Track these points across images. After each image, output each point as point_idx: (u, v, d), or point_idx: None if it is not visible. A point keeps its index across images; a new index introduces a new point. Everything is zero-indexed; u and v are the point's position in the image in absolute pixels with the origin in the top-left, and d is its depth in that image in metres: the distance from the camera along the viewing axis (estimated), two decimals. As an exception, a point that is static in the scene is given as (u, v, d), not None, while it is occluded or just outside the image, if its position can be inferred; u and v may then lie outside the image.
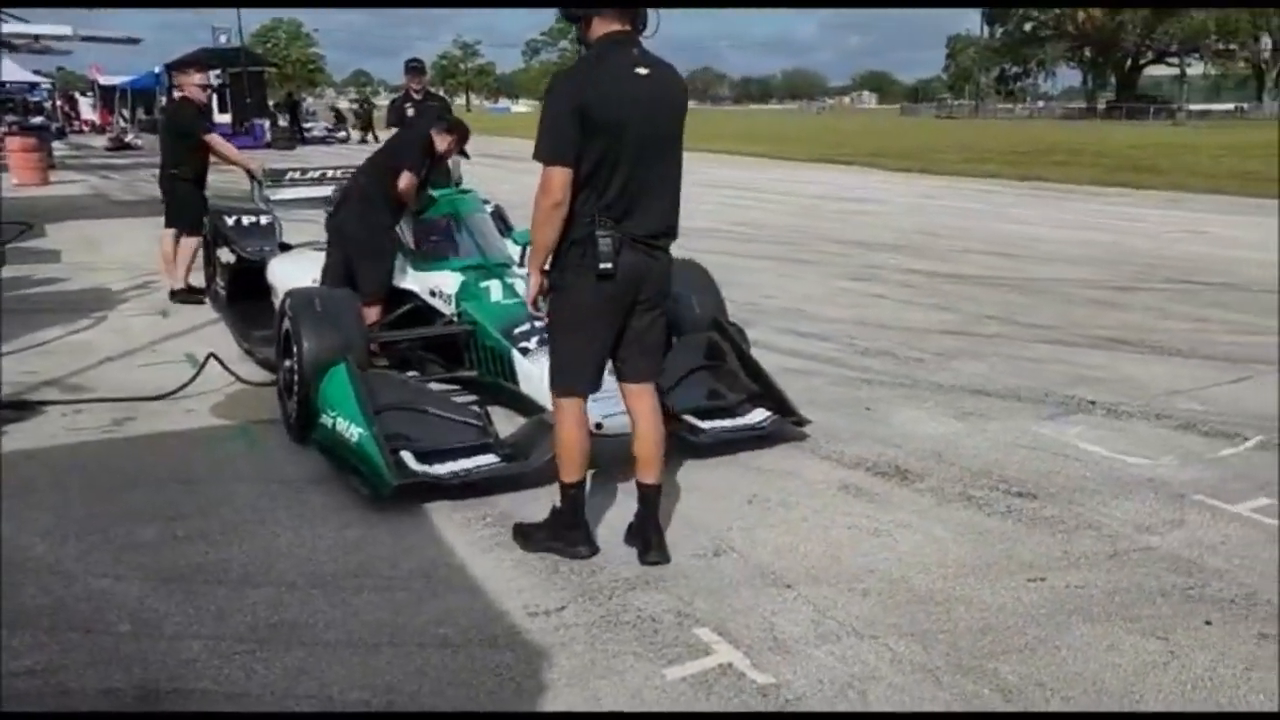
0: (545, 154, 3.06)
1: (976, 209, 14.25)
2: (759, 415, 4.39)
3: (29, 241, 10.94)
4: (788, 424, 4.44)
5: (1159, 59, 75.00)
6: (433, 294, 5.16)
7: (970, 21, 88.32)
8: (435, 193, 6.10)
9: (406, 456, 3.81)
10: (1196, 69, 72.85)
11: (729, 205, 14.71)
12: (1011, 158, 24.65)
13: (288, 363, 4.50)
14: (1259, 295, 7.74)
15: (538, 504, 3.68)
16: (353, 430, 3.84)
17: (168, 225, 7.59)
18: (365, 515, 3.68)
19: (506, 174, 14.26)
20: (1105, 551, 3.36)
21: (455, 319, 4.90)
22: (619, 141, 3.06)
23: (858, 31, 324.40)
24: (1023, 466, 4.15)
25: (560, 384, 3.32)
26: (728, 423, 4.35)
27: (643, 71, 3.11)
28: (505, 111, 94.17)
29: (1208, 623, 2.89)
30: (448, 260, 5.19)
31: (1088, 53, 76.23)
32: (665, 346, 3.68)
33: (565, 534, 3.37)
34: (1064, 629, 2.86)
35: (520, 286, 4.71)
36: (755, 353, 5.63)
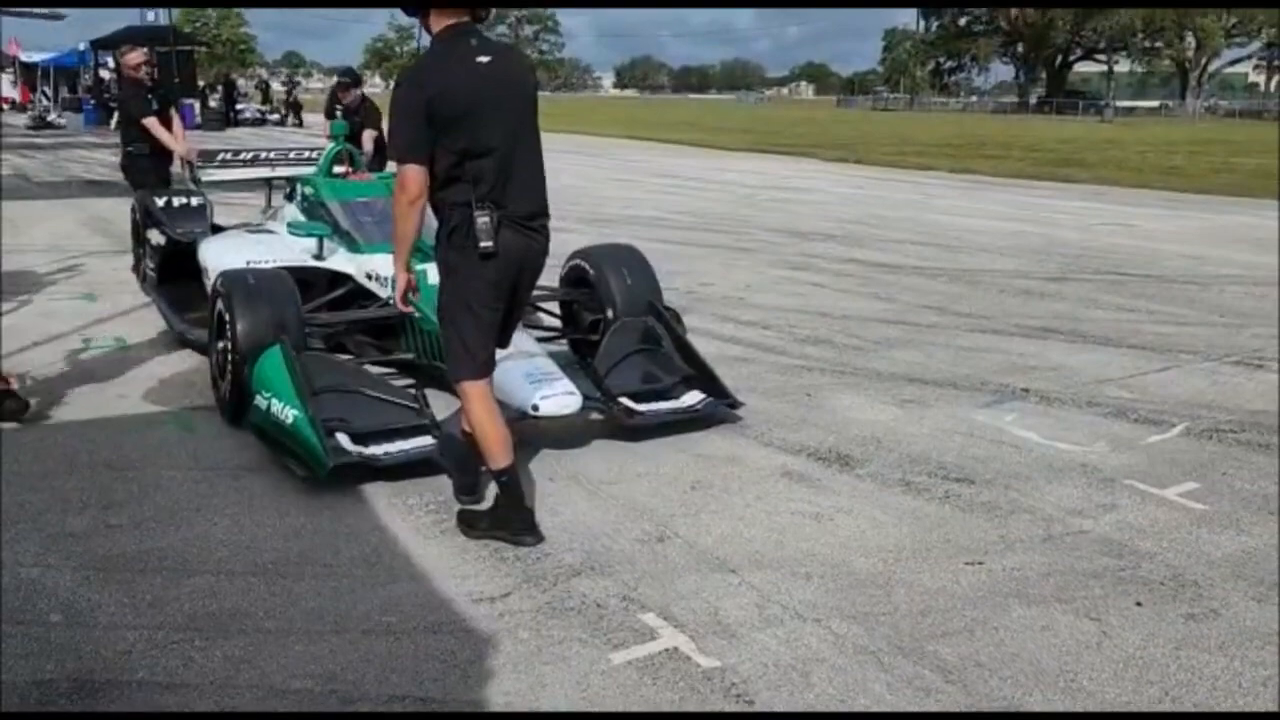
0: (399, 151, 3.17)
1: (911, 200, 14.48)
2: (694, 398, 4.47)
3: (-55, 222, 10.52)
4: (721, 406, 4.53)
5: (1088, 56, 76.89)
6: (369, 277, 5.14)
7: (906, 15, 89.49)
8: (372, 175, 6.23)
9: (342, 438, 3.81)
10: (1124, 66, 74.80)
11: (670, 194, 14.75)
12: (945, 150, 25.10)
13: (221, 344, 4.46)
14: (1183, 287, 7.99)
15: (485, 495, 3.66)
16: (288, 412, 3.83)
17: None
18: (305, 501, 3.63)
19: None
20: (1040, 535, 3.45)
21: (391, 301, 4.81)
22: (476, 129, 3.13)
23: (796, 21, 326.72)
24: (960, 453, 4.24)
25: (460, 372, 3.34)
26: (663, 405, 4.42)
27: (484, 59, 3.18)
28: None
29: (1138, 604, 2.99)
30: (383, 243, 5.05)
31: (1020, 49, 77.81)
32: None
33: (509, 522, 3.36)
34: (1001, 610, 2.94)
35: None
36: (697, 340, 5.68)
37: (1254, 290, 7.85)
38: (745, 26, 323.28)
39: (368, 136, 8.46)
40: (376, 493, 3.72)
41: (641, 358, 4.59)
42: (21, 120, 31.43)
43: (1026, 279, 8.28)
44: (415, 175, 3.13)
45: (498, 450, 3.33)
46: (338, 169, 6.35)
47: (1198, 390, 5.16)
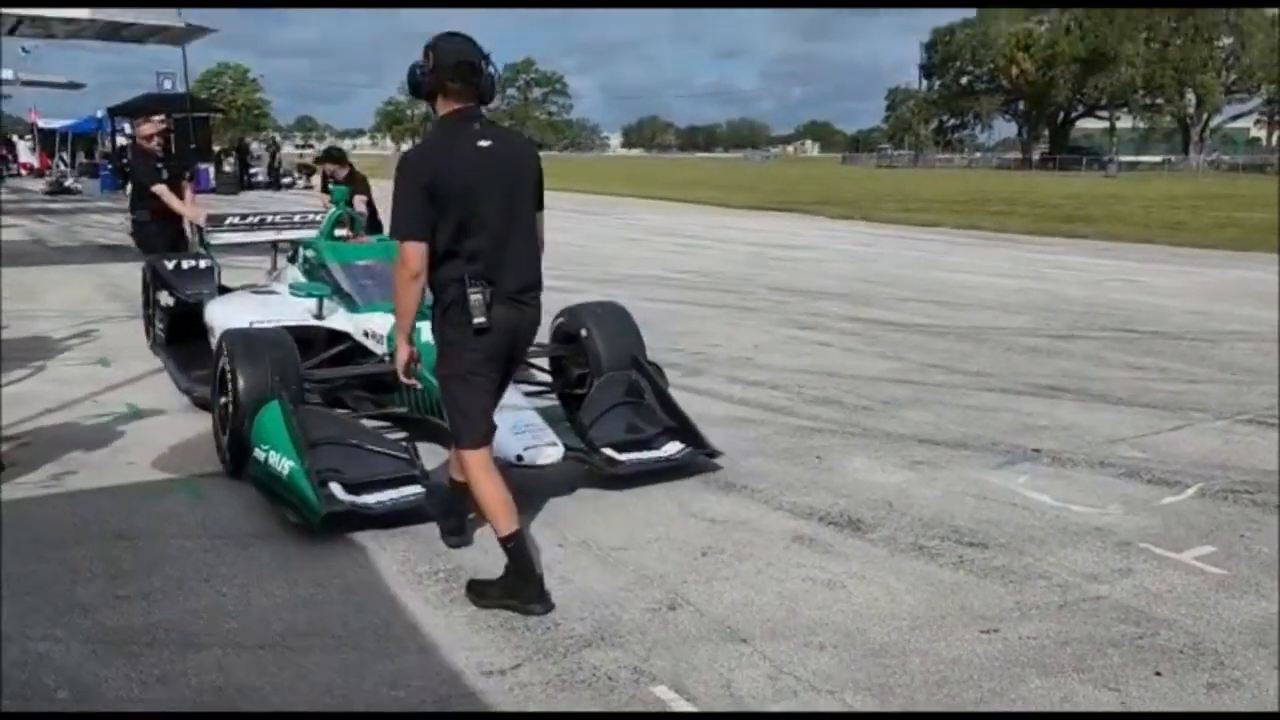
0: (400, 230, 3.29)
1: (917, 257, 14.56)
2: (674, 448, 4.64)
3: (-38, 288, 10.64)
4: (700, 455, 4.69)
5: (1089, 112, 77.70)
6: (366, 335, 5.33)
7: (909, 75, 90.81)
8: (371, 238, 6.58)
9: (335, 488, 3.97)
10: (1126, 123, 75.54)
11: (676, 253, 14.87)
12: (950, 207, 25.29)
13: (223, 399, 4.62)
14: (1192, 343, 7.98)
15: (489, 558, 3.64)
16: (284, 464, 4.01)
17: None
18: (314, 571, 3.61)
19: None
20: (1056, 601, 3.41)
21: (387, 358, 4.98)
22: (473, 209, 3.28)
23: (800, 82, 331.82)
24: (973, 516, 4.20)
25: (463, 441, 3.47)
26: (644, 454, 4.58)
27: (485, 143, 3.35)
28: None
29: (1158, 673, 2.94)
30: (380, 303, 5.25)
31: (1022, 106, 78.72)
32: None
33: (518, 590, 3.35)
34: (1018, 681, 2.89)
35: None
36: (705, 401, 5.71)
37: (1262, 346, 7.83)
38: (750, 87, 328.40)
39: (359, 201, 8.80)
40: (386, 562, 3.70)
41: (625, 410, 4.77)
42: (39, 185, 31.94)
43: (1034, 336, 8.29)
44: (415, 251, 3.26)
45: (501, 516, 3.39)
46: (339, 232, 6.61)
47: (1211, 450, 5.13)
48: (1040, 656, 3.03)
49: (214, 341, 5.26)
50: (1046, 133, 79.54)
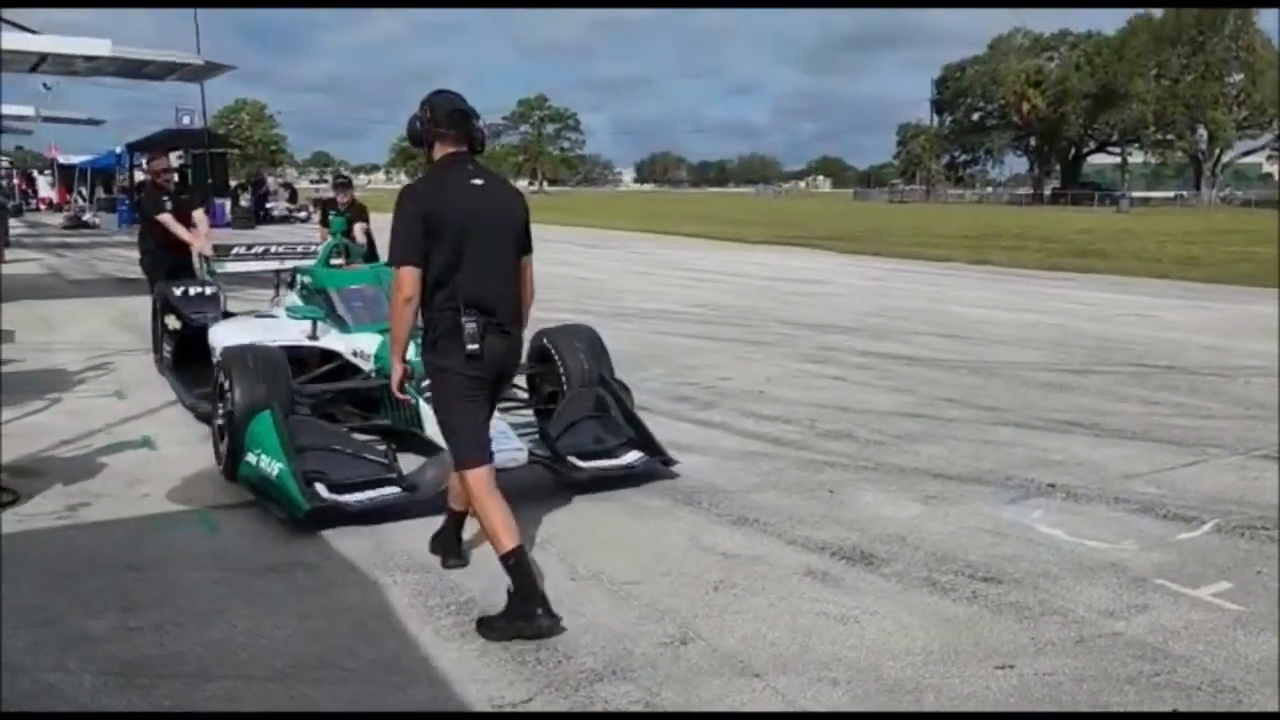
0: (397, 257, 3.52)
1: (929, 291, 14.56)
2: (633, 456, 5.06)
3: (-20, 320, 10.75)
4: (656, 463, 5.09)
5: (1101, 148, 77.91)
6: (355, 354, 5.82)
7: (920, 111, 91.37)
8: (364, 266, 7.13)
9: (320, 488, 4.37)
10: (1138, 158, 75.70)
11: (687, 287, 14.91)
12: (962, 241, 25.32)
13: (221, 410, 5.03)
14: (1207, 379, 7.94)
15: (500, 596, 3.64)
16: (273, 466, 4.43)
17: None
18: (325, 603, 3.61)
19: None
20: (1072, 638, 3.38)
21: (373, 374, 5.53)
22: (464, 241, 3.51)
23: (811, 118, 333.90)
24: (987, 551, 4.18)
25: (464, 461, 3.63)
26: (604, 462, 4.98)
27: (477, 182, 3.62)
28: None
29: (1175, 711, 2.90)
30: (369, 325, 5.83)
31: (1033, 141, 79.01)
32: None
33: (524, 611, 3.38)
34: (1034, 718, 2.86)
35: None
36: (718, 435, 5.73)
37: (1277, 382, 7.78)
38: (761, 122, 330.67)
39: (359, 229, 9.48)
40: (397, 594, 3.70)
41: (591, 423, 5.16)
42: (58, 220, 32.33)
43: (1047, 371, 8.26)
44: (410, 276, 3.49)
45: (503, 534, 3.49)
46: (335, 261, 7.22)
47: (1227, 486, 5.09)
48: (1056, 693, 3.00)
49: (215, 363, 5.60)
50: (1058, 168, 79.79)
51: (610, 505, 4.77)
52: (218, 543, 4.26)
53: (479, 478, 3.58)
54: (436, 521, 4.14)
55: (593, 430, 5.13)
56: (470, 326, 3.49)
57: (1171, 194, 68.46)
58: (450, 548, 4.05)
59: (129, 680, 3.05)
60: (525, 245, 3.76)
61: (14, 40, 11.66)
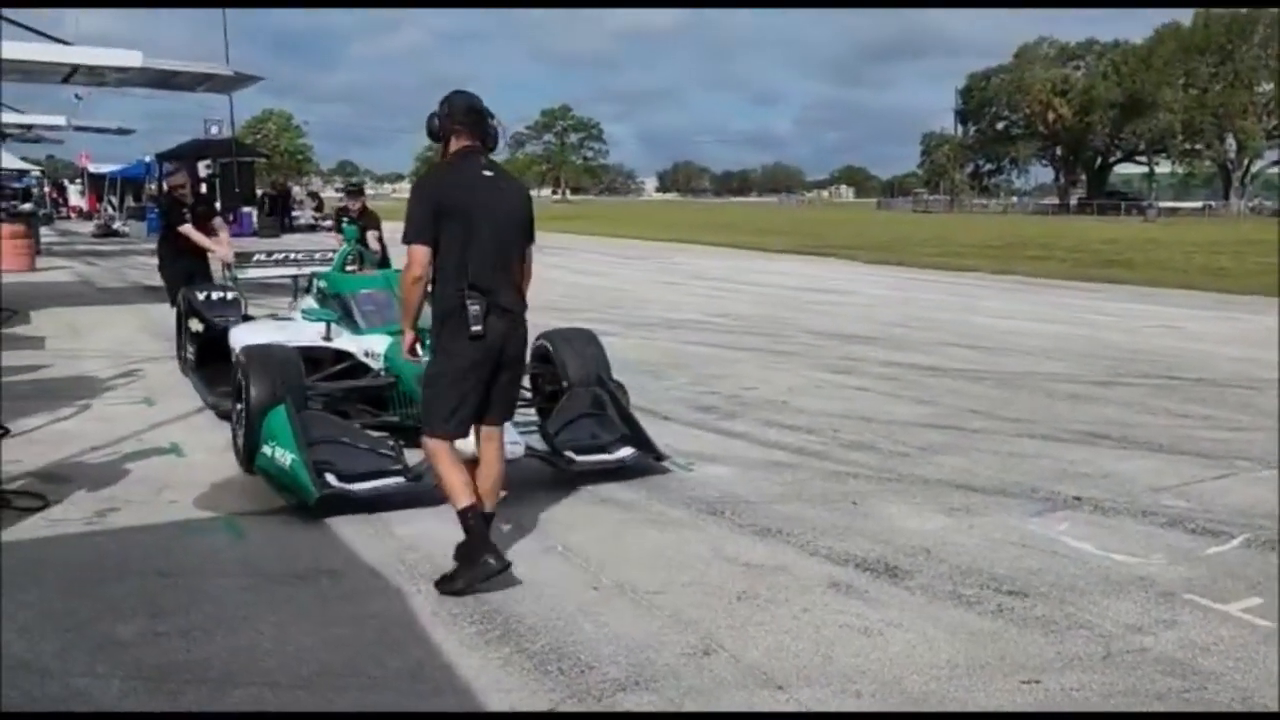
0: (409, 237, 3.83)
1: (953, 301, 14.49)
2: (626, 452, 5.32)
3: (13, 328, 10.91)
4: (648, 459, 5.36)
5: (1128, 157, 77.33)
6: (366, 354, 6.12)
7: (944, 120, 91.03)
8: (376, 271, 7.51)
9: (329, 477, 4.65)
10: (1165, 168, 75.05)
11: (710, 296, 14.90)
12: (986, 251, 25.18)
13: (239, 405, 5.31)
14: (1236, 391, 7.85)
15: (524, 605, 3.66)
16: (286, 457, 4.70)
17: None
18: (350, 611, 3.63)
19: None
20: (1099, 653, 3.34)
21: (383, 373, 5.87)
22: (472, 227, 3.79)
23: (834, 128, 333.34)
24: (1012, 564, 4.14)
25: (431, 428, 3.92)
26: (599, 457, 5.26)
27: (488, 174, 3.92)
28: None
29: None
30: (379, 327, 6.14)
31: (1059, 151, 78.52)
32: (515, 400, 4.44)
33: (475, 557, 3.76)
34: (1060, 733, 2.83)
35: None
36: (741, 445, 5.73)
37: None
38: (784, 132, 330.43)
39: (371, 237, 9.95)
40: (420, 603, 3.72)
41: (589, 420, 5.45)
42: (88, 228, 32.73)
43: (1073, 383, 8.20)
44: (420, 255, 3.80)
45: (460, 493, 3.85)
46: (349, 267, 7.64)
47: (1257, 499, 5.02)
48: (1083, 708, 2.97)
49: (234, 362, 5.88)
50: (1084, 177, 79.24)
51: (633, 515, 4.78)
52: (244, 549, 4.30)
53: (440, 446, 3.89)
54: (457, 527, 4.15)
55: (589, 427, 5.40)
56: (474, 308, 3.76)
57: (1199, 204, 67.79)
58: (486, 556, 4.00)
59: (157, 685, 3.08)
60: (528, 234, 4.04)
61: (47, 52, 11.83)
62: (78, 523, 4.58)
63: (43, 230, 24.85)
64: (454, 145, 3.95)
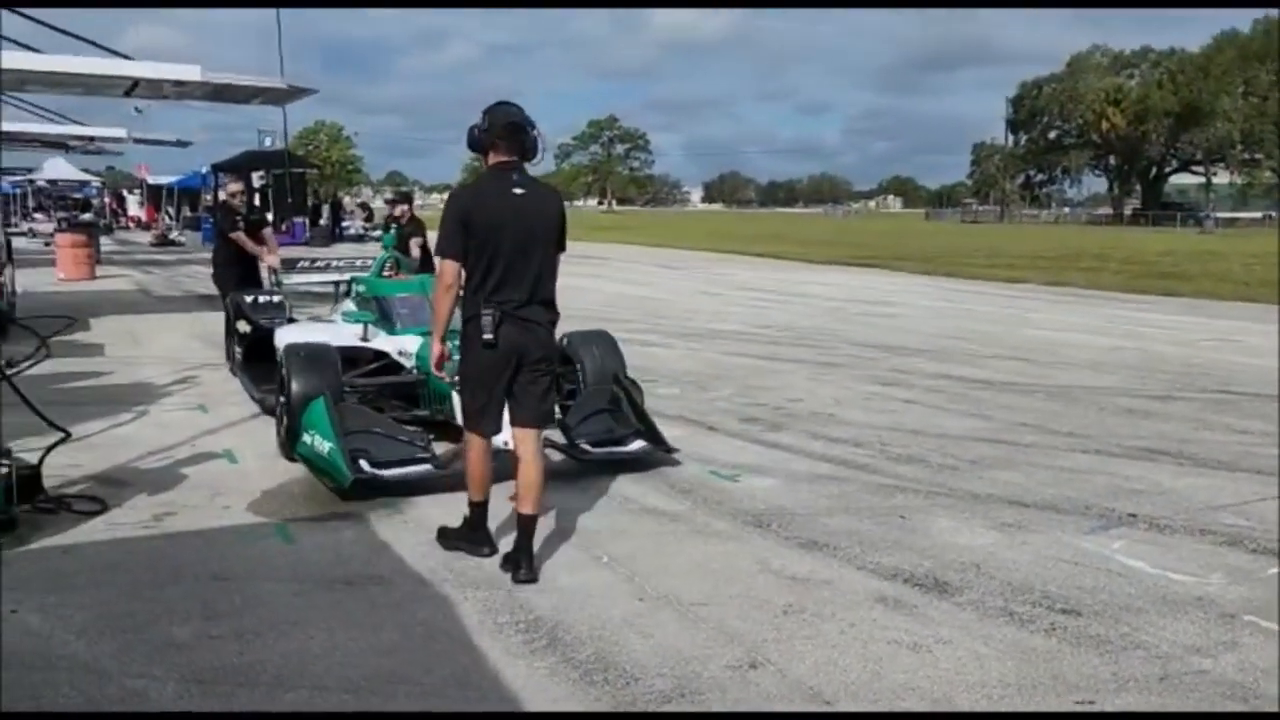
0: (440, 250, 4.13)
1: (1004, 313, 14.29)
2: (638, 445, 5.69)
3: (74, 335, 11.19)
4: (659, 451, 5.70)
5: (1184, 167, 75.82)
6: (400, 353, 6.52)
7: (995, 130, 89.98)
8: (411, 277, 7.92)
9: (363, 463, 5.04)
10: (1223, 178, 73.43)
11: (756, 307, 14.85)
12: (1037, 262, 24.81)
13: (282, 398, 5.75)
14: (1298, 407, 7.64)
15: (570, 614, 3.67)
16: (324, 444, 5.05)
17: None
18: (399, 617, 3.67)
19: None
20: (1156, 674, 3.27)
21: (414, 371, 6.26)
22: (497, 242, 4.03)
23: (882, 137, 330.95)
24: (1066, 582, 4.07)
25: (466, 424, 4.32)
26: (613, 449, 5.63)
27: (519, 191, 4.11)
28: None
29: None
30: (413, 328, 6.50)
31: (1112, 161, 77.23)
32: (552, 401, 4.70)
33: (472, 537, 4.27)
34: (1115, 755, 2.77)
35: None
36: (786, 457, 5.70)
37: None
38: (832, 142, 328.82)
39: (414, 244, 10.32)
40: (467, 610, 3.74)
41: (605, 415, 5.80)
42: (146, 238, 33.48)
43: (1129, 397, 8.04)
44: (450, 268, 4.09)
45: (477, 486, 4.26)
46: (386, 272, 8.13)
47: (1321, 519, 4.88)
48: (1138, 731, 2.91)
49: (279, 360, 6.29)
50: (1138, 187, 77.83)
51: (678, 526, 4.77)
52: (295, 555, 4.36)
53: (478, 443, 4.22)
54: (506, 535, 4.19)
55: (605, 422, 5.76)
56: (487, 318, 4.01)
57: (1259, 214, 66.21)
58: (478, 537, 4.33)
59: (210, 687, 3.13)
60: (559, 244, 4.23)
61: (109, 66, 12.13)
62: (135, 526, 4.68)
63: (103, 240, 25.45)
64: (492, 158, 4.16)
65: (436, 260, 4.20)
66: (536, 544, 4.20)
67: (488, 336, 4.01)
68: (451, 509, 4.63)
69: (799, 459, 6.03)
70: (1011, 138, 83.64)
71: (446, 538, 4.35)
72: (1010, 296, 17.08)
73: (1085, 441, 6.49)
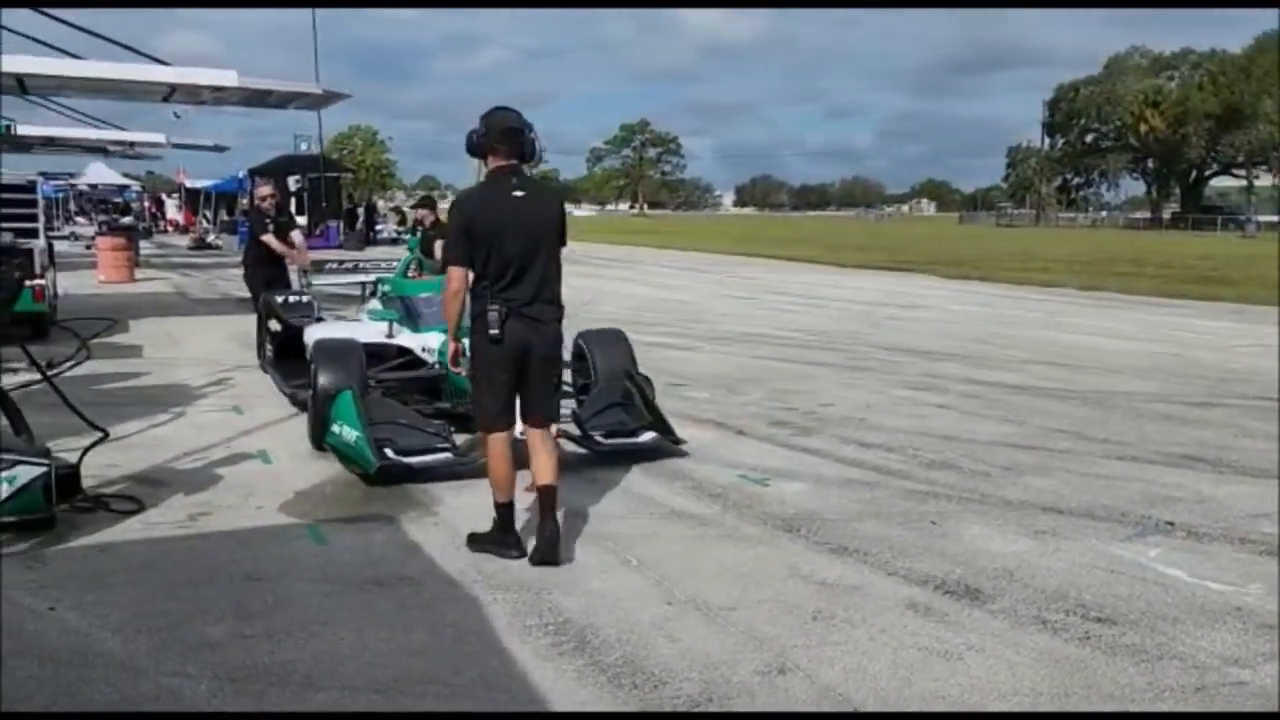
0: (446, 256, 4.42)
1: (1038, 318, 14.14)
2: (648, 437, 5.97)
3: (113, 336, 11.37)
4: (667, 442, 5.98)
5: (1225, 170, 74.64)
6: (423, 350, 6.82)
7: (1031, 133, 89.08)
8: (434, 277, 7.96)
9: (388, 451, 5.33)
10: (1266, 180, 72.21)
11: (787, 311, 14.80)
12: (1073, 266, 24.53)
13: (311, 391, 6.03)
14: (1341, 414, 7.49)
15: (598, 617, 3.67)
16: (351, 434, 5.40)
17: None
18: (428, 618, 3.69)
19: (567, 276, 14.47)
20: (1192, 684, 3.22)
21: (436, 366, 6.54)
22: (500, 244, 4.18)
23: (916, 140, 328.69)
24: (1101, 590, 4.01)
25: (480, 423, 4.52)
26: (624, 440, 5.90)
27: (519, 194, 4.26)
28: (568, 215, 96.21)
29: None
30: (435, 325, 6.64)
31: (1151, 164, 76.20)
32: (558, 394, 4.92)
33: (501, 539, 4.34)
34: (1151, 767, 2.73)
35: None
36: (817, 461, 5.68)
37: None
38: (864, 145, 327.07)
39: (438, 246, 10.51)
40: (496, 612, 3.76)
41: (617, 408, 6.08)
42: (184, 241, 33.94)
43: (1166, 403, 7.92)
44: (456, 274, 4.30)
45: (500, 486, 4.35)
46: (410, 273, 8.50)
47: (1365, 528, 4.78)
48: (1175, 743, 2.86)
49: (308, 356, 6.59)
50: (1178, 191, 76.71)
51: (707, 530, 4.76)
52: (326, 555, 4.40)
53: (497, 440, 4.35)
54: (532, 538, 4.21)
55: (618, 415, 6.03)
56: (493, 314, 4.17)
57: (1303, 218, 65.00)
58: (511, 540, 4.39)
59: (243, 686, 3.17)
60: (560, 241, 4.40)
61: (148, 72, 12.32)
62: (171, 526, 4.73)
63: (142, 243, 25.83)
64: (491, 163, 4.33)
65: (445, 267, 4.41)
66: (568, 547, 4.26)
67: (494, 332, 4.18)
68: (480, 514, 4.64)
69: (829, 463, 5.99)
70: (1047, 140, 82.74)
71: (475, 541, 4.40)
72: (1045, 301, 16.90)
73: (1121, 448, 6.41)
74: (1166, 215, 71.32)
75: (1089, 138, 79.85)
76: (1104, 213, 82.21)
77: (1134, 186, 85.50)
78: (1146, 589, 4.03)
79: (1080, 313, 15.01)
